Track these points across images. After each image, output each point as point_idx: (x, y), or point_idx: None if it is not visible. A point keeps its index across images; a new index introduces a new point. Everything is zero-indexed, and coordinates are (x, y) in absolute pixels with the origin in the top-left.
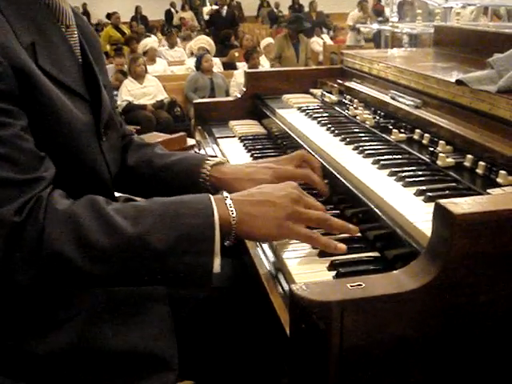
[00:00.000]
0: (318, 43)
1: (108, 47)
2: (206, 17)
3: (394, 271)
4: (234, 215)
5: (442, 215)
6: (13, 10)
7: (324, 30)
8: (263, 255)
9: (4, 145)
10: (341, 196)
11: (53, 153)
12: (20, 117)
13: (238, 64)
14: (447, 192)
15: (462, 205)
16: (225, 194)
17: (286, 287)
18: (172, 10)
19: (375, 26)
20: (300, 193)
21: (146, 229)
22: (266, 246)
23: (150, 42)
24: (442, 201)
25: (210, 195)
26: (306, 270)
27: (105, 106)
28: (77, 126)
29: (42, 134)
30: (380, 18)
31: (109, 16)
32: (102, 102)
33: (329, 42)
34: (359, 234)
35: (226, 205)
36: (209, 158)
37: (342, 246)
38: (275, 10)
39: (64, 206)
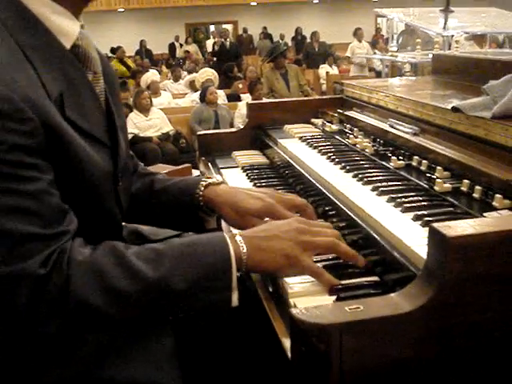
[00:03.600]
0: (325, 70)
1: None
2: (210, 49)
3: (391, 294)
4: (244, 251)
5: (436, 238)
6: (40, 58)
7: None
8: (265, 280)
9: (32, 199)
10: (341, 223)
11: (73, 201)
12: (47, 171)
13: (242, 95)
14: (444, 216)
15: (455, 228)
16: (234, 231)
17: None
18: (175, 43)
19: (376, 57)
20: (305, 224)
21: (166, 271)
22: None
23: (150, 75)
24: (436, 224)
25: (224, 233)
26: (307, 295)
27: (121, 151)
28: (98, 175)
29: (65, 184)
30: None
31: (113, 50)
32: (118, 148)
33: (336, 72)
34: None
35: (237, 241)
36: (204, 179)
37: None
38: (280, 41)
39: (85, 256)
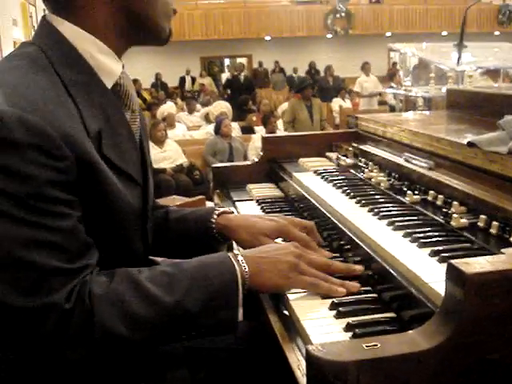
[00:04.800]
0: (338, 104)
1: None
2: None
3: (409, 331)
4: (246, 270)
5: (454, 275)
6: (82, 95)
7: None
8: (280, 316)
9: (61, 235)
10: (356, 257)
11: (99, 236)
12: (77, 207)
13: (255, 128)
14: (461, 252)
15: (474, 264)
16: (235, 251)
17: (303, 348)
18: (186, 76)
19: (389, 91)
20: (301, 251)
21: (181, 295)
22: (282, 307)
23: (167, 108)
24: (455, 261)
25: (229, 254)
26: (323, 332)
27: (151, 189)
28: (128, 214)
29: (94, 219)
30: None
31: None
32: (148, 186)
33: (349, 105)
34: (375, 295)
35: (239, 261)
36: (217, 208)
37: (343, 290)
38: (294, 75)
39: (104, 287)
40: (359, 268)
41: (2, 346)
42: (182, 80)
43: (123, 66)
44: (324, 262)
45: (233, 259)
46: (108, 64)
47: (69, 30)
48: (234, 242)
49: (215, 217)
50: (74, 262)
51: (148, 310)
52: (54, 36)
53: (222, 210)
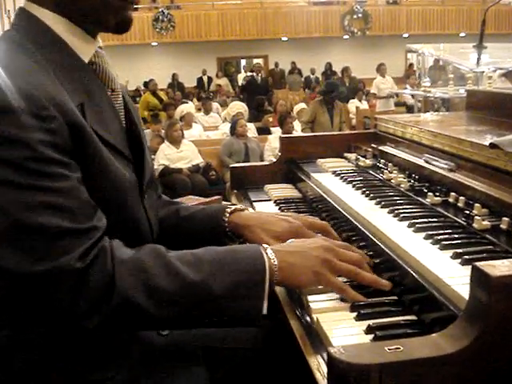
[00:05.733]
0: (355, 105)
1: (146, 113)
2: (241, 83)
3: (432, 334)
4: (275, 263)
5: (479, 278)
6: (62, 71)
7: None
8: (299, 317)
9: (62, 196)
10: (377, 259)
11: (100, 203)
12: (75, 169)
13: (272, 129)
14: (484, 255)
15: (499, 267)
16: (264, 245)
17: (323, 350)
18: (203, 76)
19: (407, 92)
20: (332, 244)
21: (206, 275)
22: (302, 308)
23: (187, 107)
24: (479, 263)
25: (259, 246)
26: (343, 334)
27: (147, 166)
28: (122, 183)
29: (91, 188)
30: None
31: (146, 84)
32: (144, 163)
33: (366, 107)
34: (395, 298)
35: (268, 254)
36: (229, 206)
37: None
38: (311, 76)
39: (129, 255)
40: (387, 284)
41: (20, 324)
42: (200, 80)
43: (100, 47)
44: (356, 257)
45: (262, 251)
46: (81, 44)
47: (44, 13)
48: None
49: (227, 215)
50: (81, 223)
51: (172, 285)
52: (30, 20)
53: (234, 207)
